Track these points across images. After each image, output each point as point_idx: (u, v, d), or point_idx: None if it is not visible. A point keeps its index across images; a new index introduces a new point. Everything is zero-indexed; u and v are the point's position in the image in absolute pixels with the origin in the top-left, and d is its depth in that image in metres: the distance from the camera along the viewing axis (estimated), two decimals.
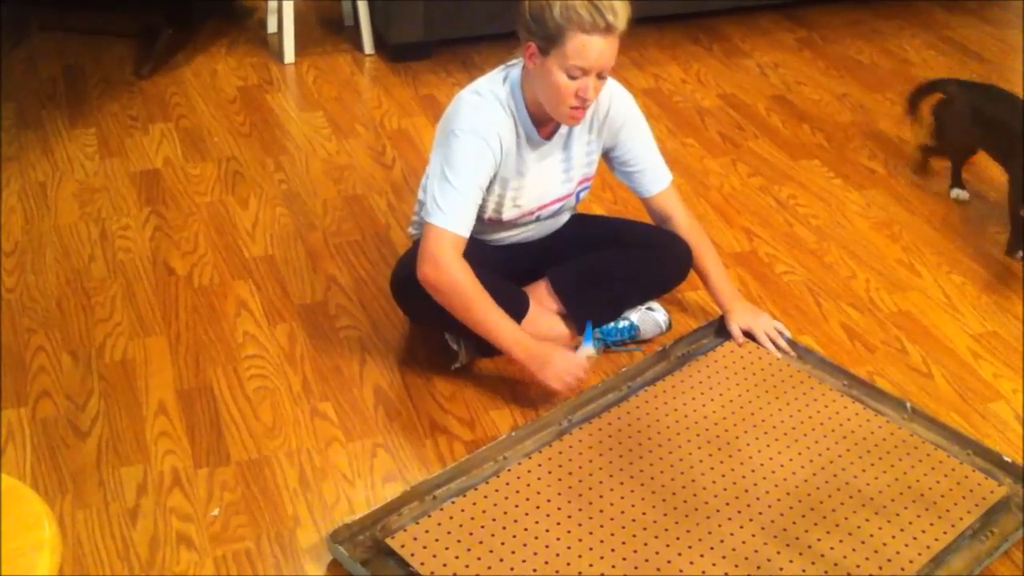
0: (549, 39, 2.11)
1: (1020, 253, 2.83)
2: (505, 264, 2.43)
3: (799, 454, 2.19)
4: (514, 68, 2.28)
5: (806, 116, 3.63)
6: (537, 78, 2.18)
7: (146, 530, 1.99)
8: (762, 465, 2.16)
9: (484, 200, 2.30)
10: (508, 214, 2.36)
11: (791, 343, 2.49)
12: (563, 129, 2.33)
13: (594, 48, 2.10)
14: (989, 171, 3.33)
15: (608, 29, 2.09)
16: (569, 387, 2.24)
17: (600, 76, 2.15)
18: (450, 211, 2.20)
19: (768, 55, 4.04)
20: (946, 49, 4.16)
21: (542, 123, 2.29)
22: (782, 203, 3.13)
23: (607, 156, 2.47)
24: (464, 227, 2.21)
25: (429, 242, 2.21)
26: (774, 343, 2.47)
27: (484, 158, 2.21)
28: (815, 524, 2.03)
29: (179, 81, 3.63)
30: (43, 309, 2.55)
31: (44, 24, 3.92)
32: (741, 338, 2.49)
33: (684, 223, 2.51)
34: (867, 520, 2.04)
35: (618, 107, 2.38)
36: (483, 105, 2.24)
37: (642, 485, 2.10)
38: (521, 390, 2.37)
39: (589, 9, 2.07)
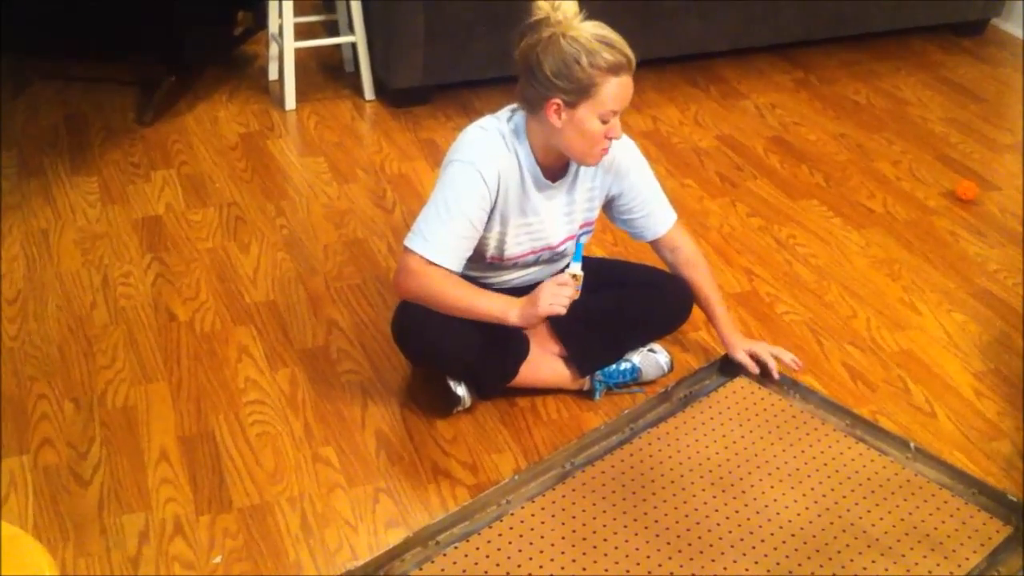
0: (579, 91, 2.13)
1: None
2: None
3: (803, 495, 2.18)
4: (519, 112, 2.29)
5: (804, 156, 3.65)
6: (565, 131, 2.18)
7: None
8: (767, 507, 2.15)
9: (485, 238, 2.31)
10: (510, 253, 2.37)
11: (793, 383, 2.49)
12: (569, 173, 2.35)
13: (626, 87, 2.15)
14: (989, 209, 3.35)
15: (631, 64, 2.14)
16: (564, 307, 2.20)
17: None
18: (432, 239, 2.22)
19: (765, 96, 4.07)
20: (943, 89, 4.19)
21: (548, 168, 2.30)
22: (782, 243, 3.14)
23: (612, 205, 2.48)
24: (443, 257, 2.23)
25: (403, 261, 2.24)
26: (781, 362, 2.49)
27: (477, 190, 2.22)
28: (821, 566, 2.02)
29: (181, 128, 3.65)
30: (45, 356, 2.55)
31: (46, 73, 3.95)
32: (752, 364, 2.48)
33: (688, 252, 2.53)
34: (873, 561, 2.03)
35: (623, 152, 2.40)
36: (485, 139, 2.26)
37: (646, 528, 2.09)
38: (524, 433, 2.37)
39: (611, 52, 2.11)
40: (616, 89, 2.13)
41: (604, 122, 2.15)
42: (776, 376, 2.48)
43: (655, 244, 2.55)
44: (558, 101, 2.14)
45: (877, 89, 4.17)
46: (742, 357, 2.49)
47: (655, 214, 2.49)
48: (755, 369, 2.49)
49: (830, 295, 2.91)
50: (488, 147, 2.25)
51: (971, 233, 3.21)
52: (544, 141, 2.24)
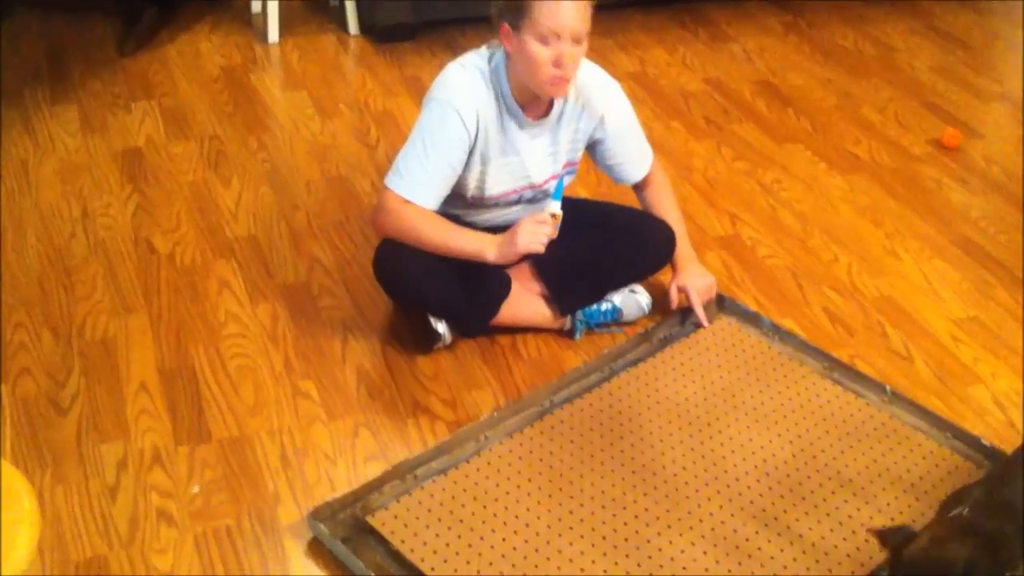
0: (518, 12, 2.13)
1: None
2: None
3: (779, 436, 2.20)
4: (500, 49, 2.28)
5: (791, 101, 3.63)
6: (516, 57, 2.19)
7: (126, 507, 1.99)
8: (742, 446, 2.17)
9: (465, 178, 2.30)
10: (491, 192, 2.36)
11: (773, 326, 2.50)
12: (553, 114, 2.33)
13: (562, 9, 2.10)
14: (973, 157, 3.35)
15: None
16: (543, 244, 2.21)
17: (576, 42, 2.15)
18: (409, 177, 2.23)
19: (754, 40, 4.04)
20: (932, 36, 4.17)
21: (527, 105, 2.28)
22: (766, 187, 3.14)
23: (595, 149, 2.47)
24: (421, 196, 2.23)
25: (381, 200, 2.26)
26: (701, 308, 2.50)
27: (455, 130, 2.22)
28: (793, 505, 2.04)
29: (162, 60, 3.61)
30: (23, 286, 2.53)
31: (27, 2, 3.88)
32: (675, 301, 2.49)
33: (655, 181, 2.56)
34: (845, 501, 2.05)
35: (610, 98, 2.39)
36: (465, 76, 2.25)
37: (623, 465, 2.11)
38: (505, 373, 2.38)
39: None
40: (550, 9, 2.10)
41: (545, 44, 2.12)
42: (705, 322, 2.49)
43: (632, 186, 2.57)
44: (506, 25, 2.15)
45: (866, 35, 4.14)
46: (672, 290, 2.50)
47: (636, 160, 2.50)
48: (674, 305, 2.50)
49: (812, 240, 2.91)
50: (467, 85, 2.23)
51: (955, 181, 3.22)
52: (515, 76, 2.23)
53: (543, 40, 2.12)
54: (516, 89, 2.26)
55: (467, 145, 2.25)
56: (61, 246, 2.68)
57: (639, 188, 2.57)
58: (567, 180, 2.48)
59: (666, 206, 2.55)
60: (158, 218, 2.81)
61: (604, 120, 2.39)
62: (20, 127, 3.17)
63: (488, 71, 2.26)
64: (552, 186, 2.44)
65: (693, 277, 2.51)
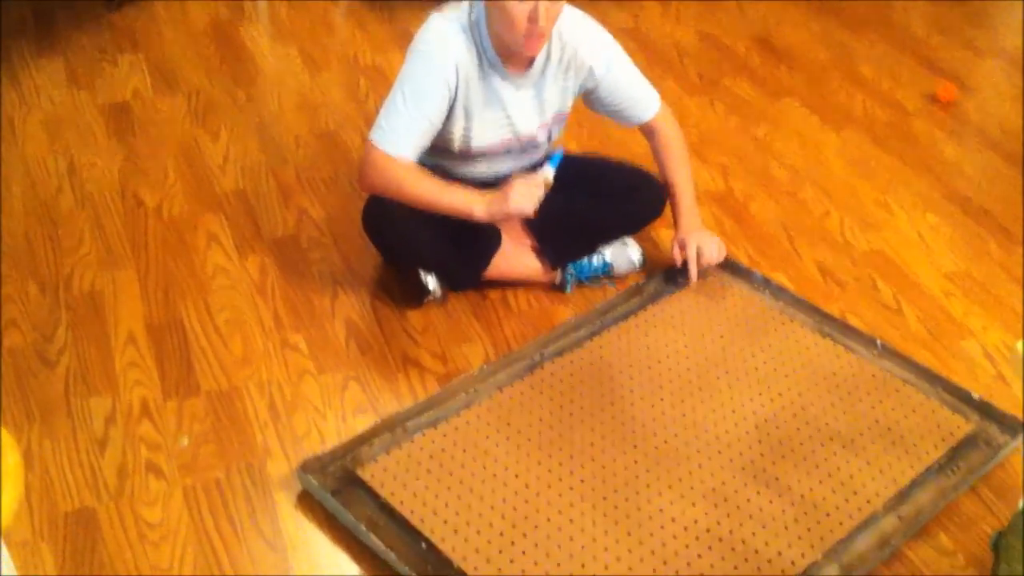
0: None
1: None
2: None
3: (768, 389, 2.20)
4: (480, 0, 2.25)
5: (784, 55, 3.61)
6: (493, 13, 2.17)
7: (114, 459, 1.99)
8: (731, 400, 2.17)
9: (449, 131, 2.28)
10: (477, 144, 2.34)
11: (764, 281, 2.49)
12: (536, 67, 2.30)
13: None
14: (968, 111, 3.33)
15: None
16: (534, 207, 2.20)
17: None
18: (391, 131, 2.21)
19: None
20: None
21: (507, 58, 2.26)
22: (758, 142, 3.12)
23: (590, 97, 2.44)
24: (402, 149, 2.21)
25: (366, 155, 2.24)
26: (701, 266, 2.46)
27: (436, 83, 2.20)
28: (782, 457, 2.04)
29: (149, 13, 3.56)
30: (10, 240, 2.51)
31: None
32: (678, 257, 2.45)
33: (663, 136, 2.49)
34: (834, 454, 2.06)
35: (595, 51, 2.35)
36: (446, 29, 2.23)
37: (612, 419, 2.10)
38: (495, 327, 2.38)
39: None
40: None
41: None
42: (693, 278, 2.44)
43: (640, 129, 2.52)
44: None
45: None
46: (675, 249, 2.46)
47: (635, 105, 2.46)
48: (677, 262, 2.46)
49: (804, 195, 2.90)
50: (447, 37, 2.21)
51: (948, 136, 3.20)
52: (494, 28, 2.21)
53: None
54: (495, 41, 2.23)
55: (448, 97, 2.23)
56: (48, 199, 2.66)
57: (648, 136, 2.52)
58: (556, 130, 2.46)
59: (672, 162, 2.50)
60: (146, 172, 2.79)
61: (593, 71, 2.36)
62: (5, 80, 3.13)
63: (468, 23, 2.24)
64: (542, 134, 2.42)
65: (696, 233, 2.46)
